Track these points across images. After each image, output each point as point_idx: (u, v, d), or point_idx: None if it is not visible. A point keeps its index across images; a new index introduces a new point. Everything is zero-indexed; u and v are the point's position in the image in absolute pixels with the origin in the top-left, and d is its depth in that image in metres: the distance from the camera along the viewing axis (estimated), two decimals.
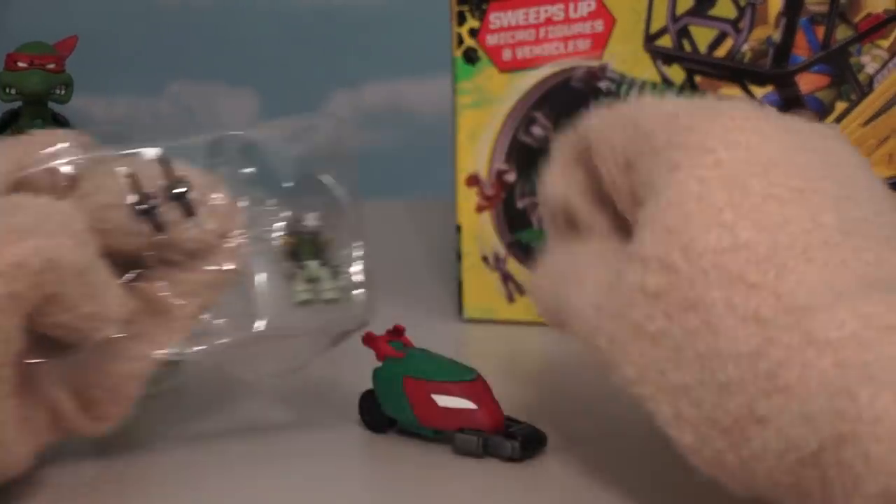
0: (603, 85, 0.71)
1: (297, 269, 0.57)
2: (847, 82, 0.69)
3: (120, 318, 0.52)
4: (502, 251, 0.73)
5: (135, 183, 0.52)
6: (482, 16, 0.71)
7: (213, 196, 0.54)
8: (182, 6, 1.19)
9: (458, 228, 0.73)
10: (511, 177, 0.72)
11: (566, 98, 0.71)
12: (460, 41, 0.71)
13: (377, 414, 0.59)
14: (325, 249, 0.57)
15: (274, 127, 0.58)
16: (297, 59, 1.20)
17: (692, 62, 0.70)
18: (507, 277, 0.73)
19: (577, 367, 0.57)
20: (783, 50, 0.70)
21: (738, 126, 0.48)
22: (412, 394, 0.57)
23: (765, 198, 0.46)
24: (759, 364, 0.44)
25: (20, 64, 0.60)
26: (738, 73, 0.70)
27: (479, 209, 0.73)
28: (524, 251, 0.73)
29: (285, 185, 0.57)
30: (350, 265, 0.57)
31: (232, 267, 0.54)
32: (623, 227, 0.52)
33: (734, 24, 0.70)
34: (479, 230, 0.73)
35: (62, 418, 0.53)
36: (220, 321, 0.55)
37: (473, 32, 0.71)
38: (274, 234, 0.56)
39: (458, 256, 0.74)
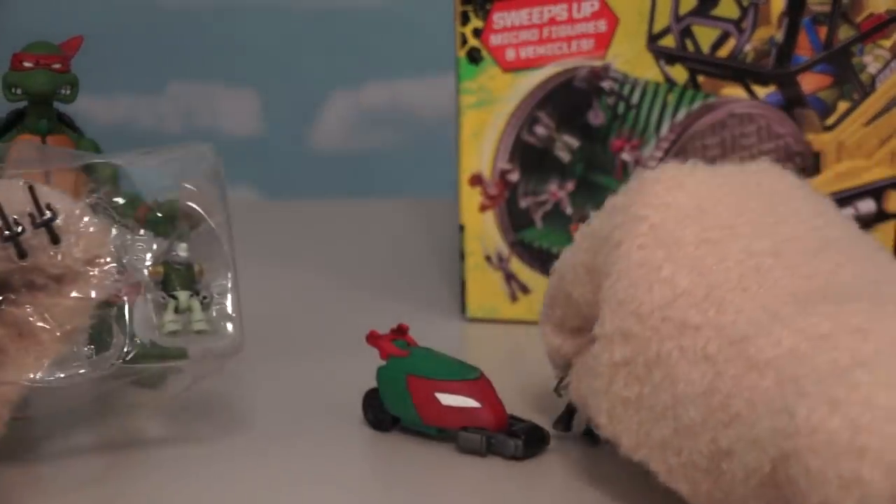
0: (606, 85, 0.71)
1: (167, 300, 0.56)
2: (849, 82, 0.70)
3: None
4: (505, 250, 0.73)
5: None
6: (486, 16, 0.71)
7: (82, 223, 0.54)
8: (182, 6, 1.19)
9: (462, 228, 0.73)
10: (514, 176, 0.72)
11: (569, 98, 0.71)
12: (464, 41, 0.71)
13: (381, 412, 0.59)
14: (196, 280, 0.57)
15: (147, 156, 0.58)
16: (297, 59, 1.19)
17: (695, 62, 0.70)
18: (510, 277, 0.73)
19: None
20: (785, 50, 0.70)
21: (665, 188, 0.50)
22: (416, 392, 0.57)
23: (697, 244, 0.48)
24: (713, 399, 0.45)
25: (26, 64, 0.60)
26: (740, 73, 0.70)
27: (483, 209, 0.73)
28: (527, 251, 0.73)
29: (158, 214, 0.57)
30: (222, 296, 0.57)
31: (98, 294, 0.54)
32: None
33: (737, 24, 0.70)
34: (483, 230, 0.73)
35: None
36: (87, 349, 0.55)
37: (477, 32, 0.71)
38: (144, 264, 0.56)
39: (462, 256, 0.74)
